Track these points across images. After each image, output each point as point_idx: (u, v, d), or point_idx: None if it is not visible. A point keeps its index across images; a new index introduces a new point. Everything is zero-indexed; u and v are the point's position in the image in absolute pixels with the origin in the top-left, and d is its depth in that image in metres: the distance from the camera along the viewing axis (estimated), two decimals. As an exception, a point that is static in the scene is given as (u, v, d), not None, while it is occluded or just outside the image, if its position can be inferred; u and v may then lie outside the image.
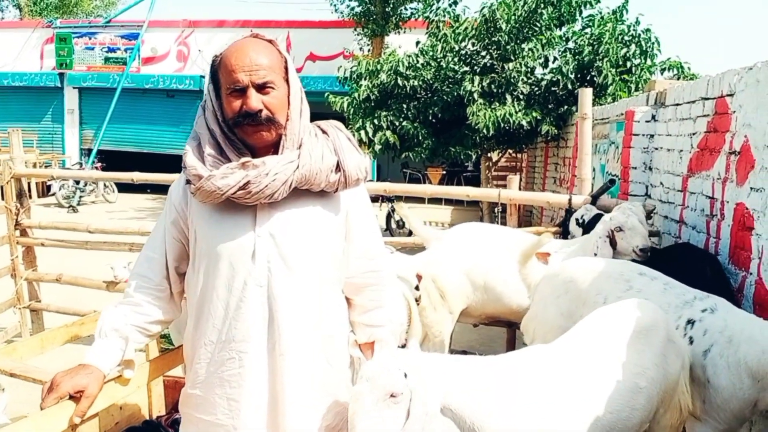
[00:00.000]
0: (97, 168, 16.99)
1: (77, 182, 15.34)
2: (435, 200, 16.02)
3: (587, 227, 4.15)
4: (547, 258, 3.81)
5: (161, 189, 15.28)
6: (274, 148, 1.84)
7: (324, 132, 1.91)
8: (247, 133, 1.79)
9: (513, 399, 2.10)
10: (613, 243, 3.62)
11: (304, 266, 1.84)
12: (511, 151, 12.02)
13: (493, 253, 3.83)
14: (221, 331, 1.83)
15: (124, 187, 16.12)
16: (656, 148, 5.08)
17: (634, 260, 3.45)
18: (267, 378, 1.84)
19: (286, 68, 1.83)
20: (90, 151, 19.07)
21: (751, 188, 3.35)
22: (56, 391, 1.69)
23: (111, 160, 18.19)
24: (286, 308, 1.82)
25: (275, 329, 1.82)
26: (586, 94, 5.01)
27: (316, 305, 1.88)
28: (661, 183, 4.87)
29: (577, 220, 4.44)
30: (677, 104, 4.63)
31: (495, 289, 3.75)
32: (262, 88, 1.76)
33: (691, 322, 2.68)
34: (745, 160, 3.44)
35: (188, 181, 1.84)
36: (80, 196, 15.79)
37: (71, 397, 1.71)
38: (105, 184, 16.47)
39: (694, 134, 4.26)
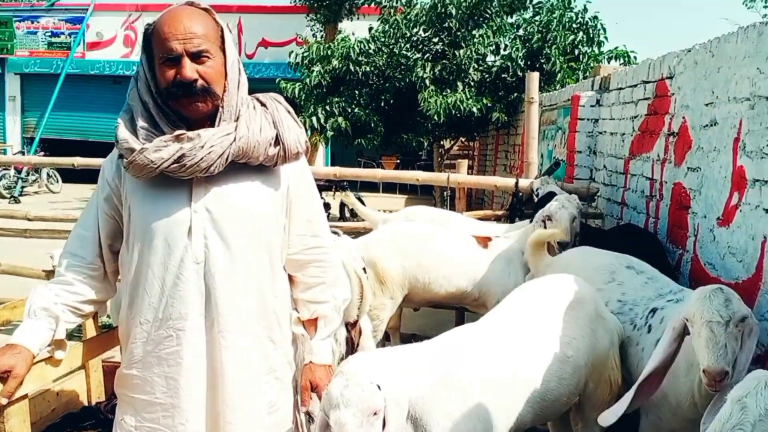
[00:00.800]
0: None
1: (19, 172, 14.78)
2: (389, 189, 16.08)
3: (540, 201, 4.22)
4: (487, 242, 3.84)
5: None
6: (210, 120, 1.79)
7: (263, 104, 1.87)
8: (181, 104, 1.74)
9: (453, 382, 2.11)
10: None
11: (242, 242, 1.81)
12: (463, 139, 12.12)
13: (436, 235, 3.83)
14: (158, 309, 1.79)
15: (68, 177, 15.57)
16: (600, 133, 5.20)
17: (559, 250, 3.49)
18: (206, 356, 1.80)
19: (222, 37, 1.78)
20: (32, 139, 18.36)
21: (688, 168, 3.45)
22: None
23: (54, 149, 17.48)
24: (223, 285, 1.79)
25: (213, 306, 1.78)
26: (533, 79, 5.08)
27: (255, 282, 1.85)
28: (605, 166, 4.98)
29: (533, 191, 4.52)
30: (620, 88, 4.74)
31: (437, 272, 3.72)
32: (197, 57, 1.71)
33: (653, 310, 2.63)
34: (683, 140, 3.54)
35: (121, 156, 1.78)
36: (22, 186, 15.21)
37: (-1, 378, 1.64)
38: (48, 174, 15.90)
39: (635, 117, 4.37)
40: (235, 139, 1.76)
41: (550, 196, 4.20)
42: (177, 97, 1.73)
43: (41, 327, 1.78)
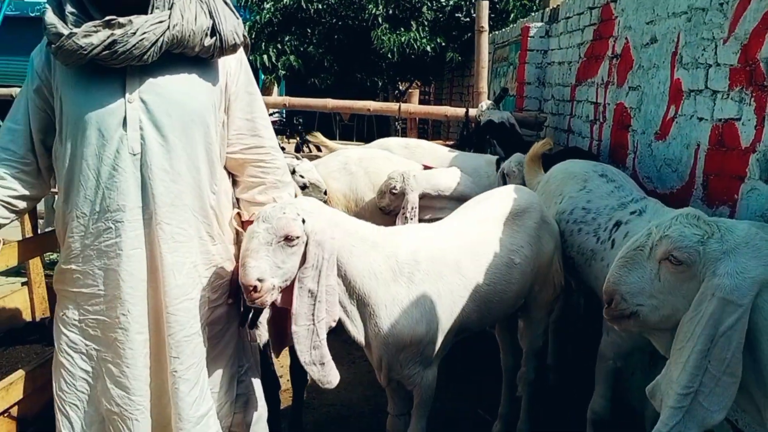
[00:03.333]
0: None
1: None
2: (346, 136, 15.95)
3: (480, 130, 4.26)
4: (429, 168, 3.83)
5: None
6: (142, 8, 1.74)
7: (198, -7, 1.82)
8: None
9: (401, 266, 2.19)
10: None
11: (178, 134, 1.79)
12: (418, 82, 12.05)
13: (381, 159, 3.83)
14: (94, 201, 1.77)
15: None
16: (549, 63, 5.24)
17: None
18: (145, 248, 1.80)
19: None
20: (-31, 85, 17.48)
21: (629, 87, 3.53)
22: None
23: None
24: (160, 177, 1.77)
25: (150, 198, 1.77)
26: (483, 8, 5.06)
27: (193, 175, 1.84)
28: (553, 96, 5.05)
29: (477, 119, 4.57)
30: (568, 17, 4.76)
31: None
32: None
33: (618, 224, 2.57)
34: (625, 61, 3.61)
35: (50, 43, 1.72)
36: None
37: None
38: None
39: (582, 44, 4.41)
40: (168, 27, 1.72)
41: (490, 124, 4.26)
42: None
43: (-28, 220, 1.74)
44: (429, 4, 9.24)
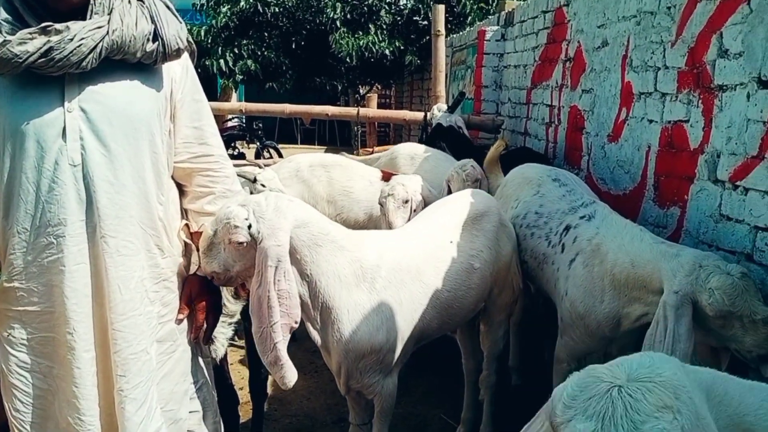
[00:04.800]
0: None
1: None
2: (308, 140, 15.88)
3: (431, 135, 4.28)
4: (390, 177, 3.77)
5: None
6: (80, 14, 1.68)
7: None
8: None
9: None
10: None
11: (122, 143, 1.72)
12: (378, 86, 12.07)
13: (336, 166, 3.78)
14: (35, 216, 1.69)
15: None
16: (505, 66, 5.29)
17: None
18: (89, 262, 1.73)
19: None
20: None
21: (583, 90, 3.58)
22: None
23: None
24: (104, 188, 1.71)
25: (94, 211, 1.71)
26: (439, 11, 5.09)
27: (139, 186, 1.77)
28: (509, 99, 5.10)
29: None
30: (522, 21, 4.82)
31: (335, 203, 3.69)
32: None
33: (567, 228, 2.55)
34: (578, 64, 3.66)
35: (-18, 52, 1.64)
36: None
37: None
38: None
39: (536, 47, 4.46)
40: (108, 32, 1.66)
41: (439, 128, 4.27)
42: None
43: None
44: (387, 7, 9.26)
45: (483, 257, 2.53)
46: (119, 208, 1.74)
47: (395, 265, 2.24)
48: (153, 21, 1.74)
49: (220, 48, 8.90)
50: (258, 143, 11.59)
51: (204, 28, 9.32)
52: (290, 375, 2.00)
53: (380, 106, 13.83)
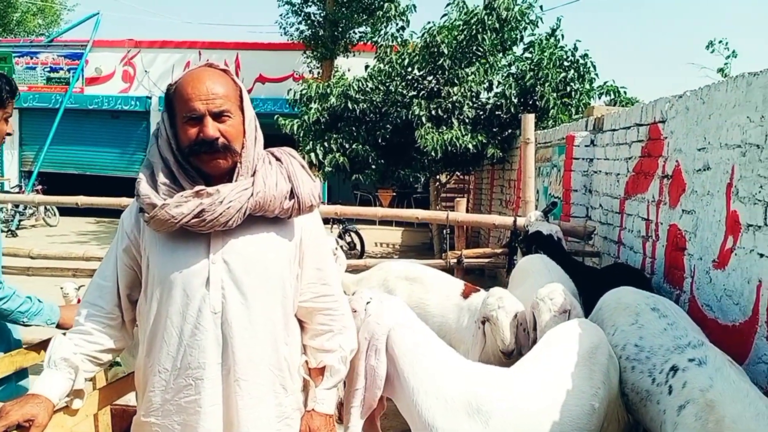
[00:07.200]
0: (37, 191, 16.44)
1: (16, 206, 14.79)
2: (386, 221, 16.16)
3: (528, 239, 4.31)
4: (470, 293, 3.69)
5: (104, 213, 14.86)
6: (227, 175, 1.87)
7: (278, 159, 1.95)
8: (203, 161, 1.82)
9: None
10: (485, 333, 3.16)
11: (257, 292, 1.87)
12: (458, 173, 12.25)
13: (421, 278, 3.87)
14: (176, 358, 1.84)
15: (65, 211, 15.62)
16: (595, 172, 5.31)
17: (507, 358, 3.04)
18: (222, 403, 1.85)
19: (241, 97, 1.88)
20: (30, 173, 18.45)
21: (683, 210, 3.55)
22: (5, 419, 1.67)
23: (52, 183, 17.62)
24: (240, 334, 1.84)
25: (230, 355, 1.84)
26: (528, 120, 5.21)
27: (270, 330, 1.90)
28: (601, 205, 5.08)
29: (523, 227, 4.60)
30: (614, 129, 4.86)
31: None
32: (218, 116, 1.80)
33: (674, 369, 2.46)
34: (677, 183, 3.65)
35: (141, 210, 1.85)
36: (20, 220, 15.23)
37: (20, 427, 1.69)
38: (46, 207, 15.93)
39: (630, 158, 4.48)
40: (252, 194, 1.83)
41: (538, 236, 4.29)
42: (199, 154, 1.80)
43: (61, 377, 1.83)
44: (470, 102, 9.52)
45: (600, 395, 2.46)
46: (252, 351, 1.86)
47: (513, 405, 2.23)
48: (290, 180, 1.91)
49: (310, 141, 9.37)
50: (340, 226, 11.94)
51: (296, 121, 9.85)
52: None
53: (457, 191, 14.03)
